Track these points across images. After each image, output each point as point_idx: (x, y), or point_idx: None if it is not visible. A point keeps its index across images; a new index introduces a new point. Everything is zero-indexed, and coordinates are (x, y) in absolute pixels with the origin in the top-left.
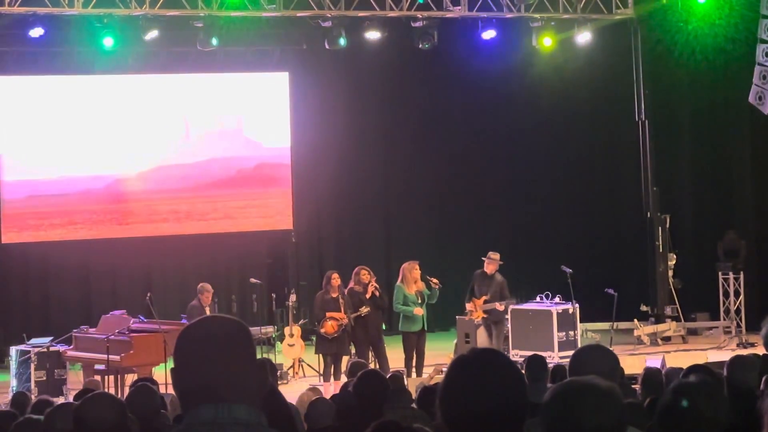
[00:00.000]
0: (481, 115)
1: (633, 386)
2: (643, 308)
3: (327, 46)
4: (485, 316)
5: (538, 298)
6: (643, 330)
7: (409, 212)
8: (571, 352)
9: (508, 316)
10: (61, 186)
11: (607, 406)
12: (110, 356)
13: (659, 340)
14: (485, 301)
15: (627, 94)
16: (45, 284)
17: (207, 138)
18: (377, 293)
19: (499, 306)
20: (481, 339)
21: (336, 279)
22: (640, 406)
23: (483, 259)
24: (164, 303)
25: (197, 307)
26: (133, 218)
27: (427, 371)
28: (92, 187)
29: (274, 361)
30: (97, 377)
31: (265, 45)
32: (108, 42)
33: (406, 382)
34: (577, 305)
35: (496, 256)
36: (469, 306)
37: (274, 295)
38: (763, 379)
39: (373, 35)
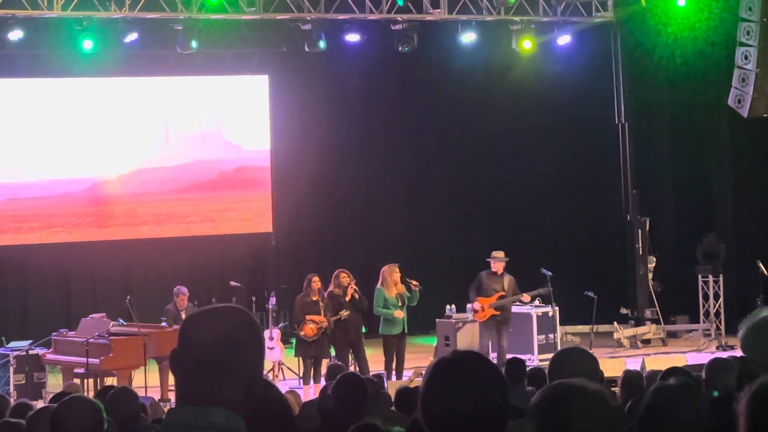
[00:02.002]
0: (460, 118)
1: (612, 389)
2: (623, 311)
3: (307, 49)
4: (496, 313)
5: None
6: (622, 333)
7: (389, 215)
8: (550, 355)
9: None
10: (41, 189)
11: (598, 409)
12: (89, 359)
13: (639, 343)
14: (499, 297)
15: (607, 97)
16: (24, 287)
17: (187, 141)
18: (357, 296)
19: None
20: (466, 341)
21: (316, 282)
22: (620, 409)
23: (488, 260)
24: (144, 306)
25: (172, 311)
26: (112, 221)
27: (407, 374)
28: (72, 190)
29: None
30: (77, 380)
31: (244, 48)
32: (87, 45)
33: (386, 385)
34: (557, 308)
35: (500, 254)
36: (475, 305)
37: (254, 298)
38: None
39: (352, 38)
